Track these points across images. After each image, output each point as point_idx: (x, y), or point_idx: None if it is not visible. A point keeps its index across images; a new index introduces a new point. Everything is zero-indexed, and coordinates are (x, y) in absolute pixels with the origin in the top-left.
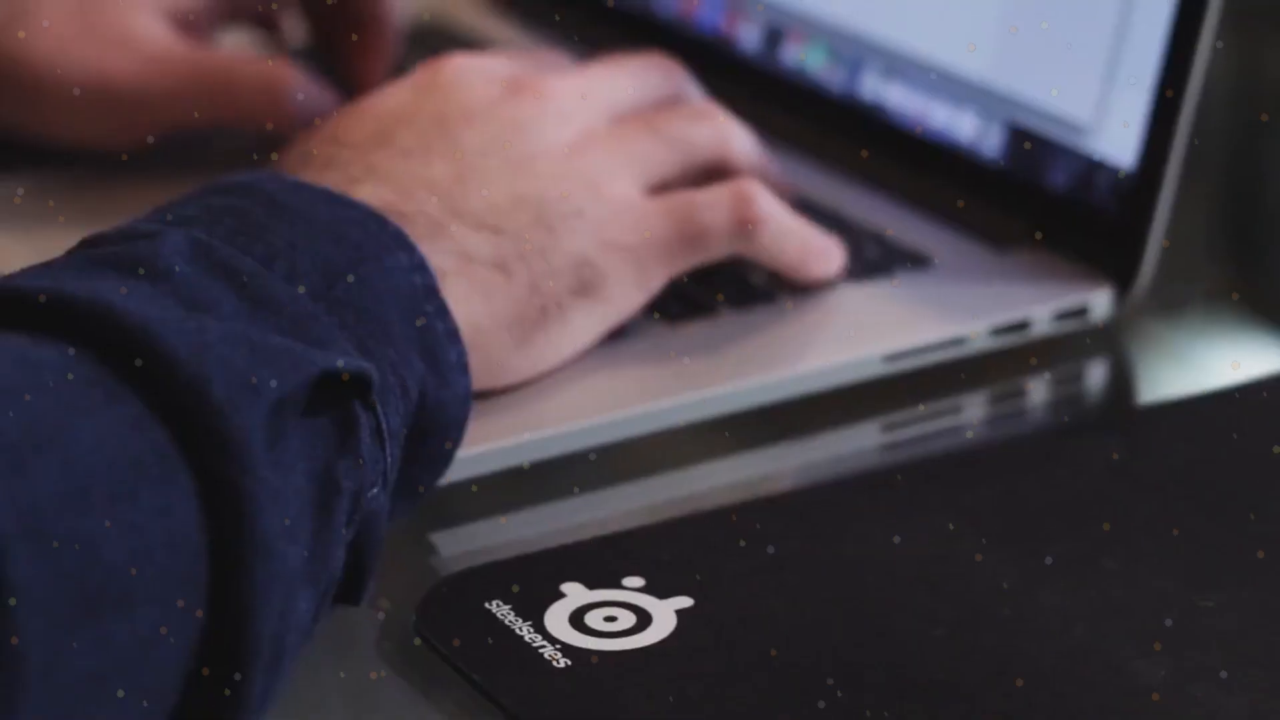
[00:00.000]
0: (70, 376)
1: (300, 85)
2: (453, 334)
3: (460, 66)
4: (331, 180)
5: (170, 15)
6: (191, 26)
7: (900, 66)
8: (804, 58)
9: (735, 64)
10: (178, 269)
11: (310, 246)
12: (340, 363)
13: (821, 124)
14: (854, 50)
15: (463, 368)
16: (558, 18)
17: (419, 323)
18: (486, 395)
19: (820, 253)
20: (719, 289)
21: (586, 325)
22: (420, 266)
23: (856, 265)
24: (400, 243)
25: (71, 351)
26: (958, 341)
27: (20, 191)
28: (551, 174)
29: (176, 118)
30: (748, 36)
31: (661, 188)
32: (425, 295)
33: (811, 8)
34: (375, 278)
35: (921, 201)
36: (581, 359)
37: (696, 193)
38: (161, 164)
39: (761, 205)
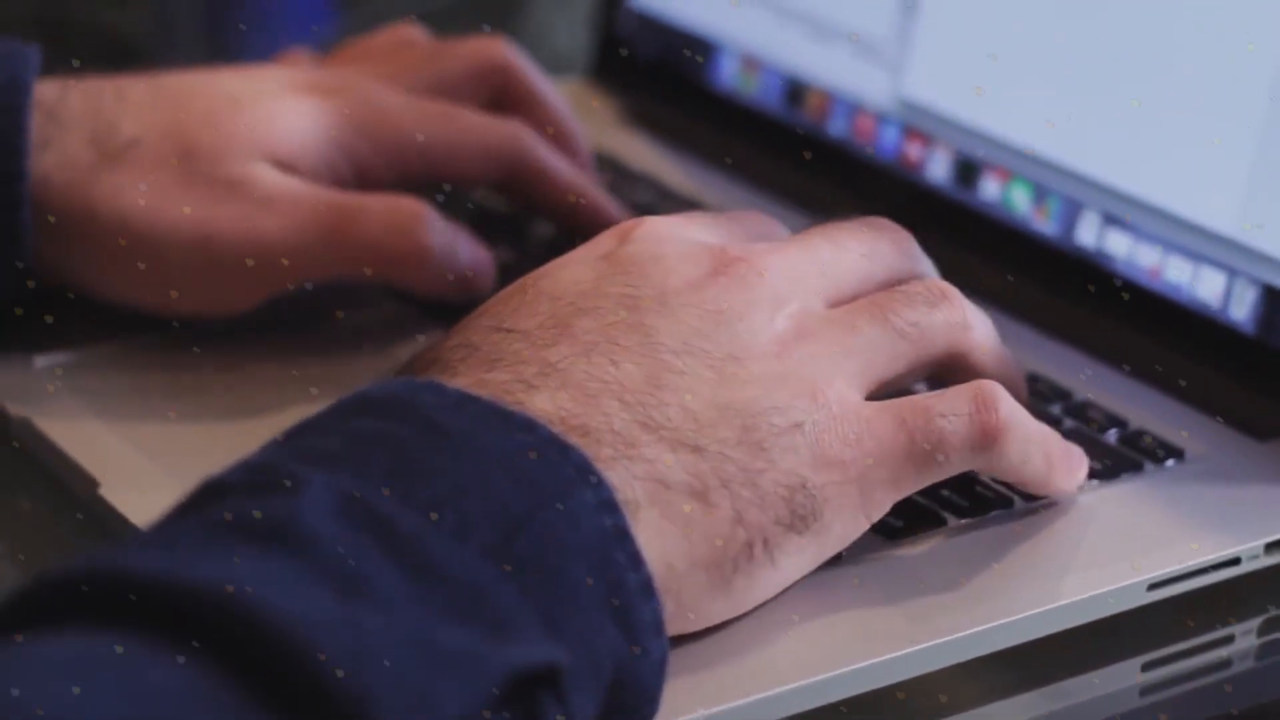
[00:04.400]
0: (196, 705)
1: (441, 224)
2: (646, 587)
3: (653, 234)
4: (500, 382)
5: (288, 171)
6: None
7: (1124, 211)
8: (1004, 194)
9: (919, 196)
10: (325, 534)
11: (481, 488)
12: (529, 659)
13: (1025, 273)
14: (1067, 189)
15: (658, 628)
16: (700, 132)
17: (610, 578)
18: (676, 641)
19: (1066, 464)
20: (943, 494)
21: (797, 563)
22: (609, 505)
23: (1099, 460)
24: (585, 475)
25: (198, 666)
26: (1231, 562)
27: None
28: (762, 377)
29: (295, 270)
30: (936, 167)
31: (884, 385)
32: (616, 541)
33: (1014, 137)
34: (558, 525)
35: (1156, 374)
36: (793, 588)
37: (931, 398)
38: (280, 334)
39: (1005, 412)
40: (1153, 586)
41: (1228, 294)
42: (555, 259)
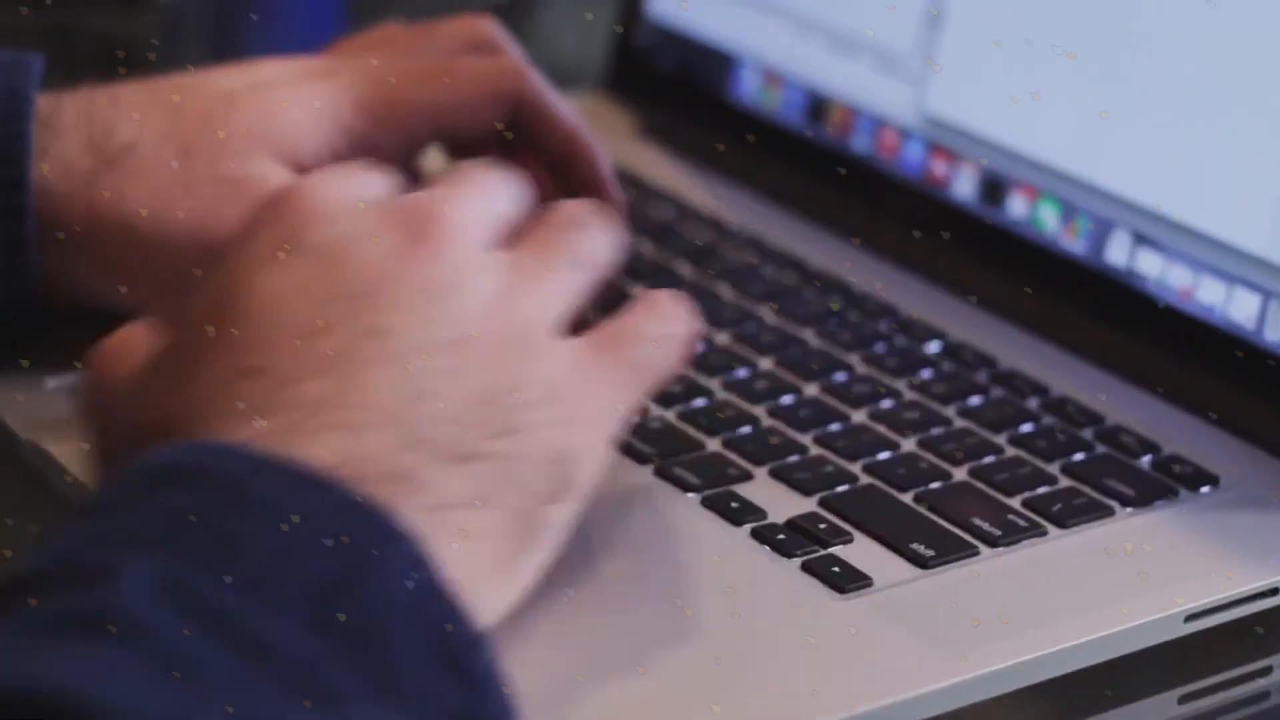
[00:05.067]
0: None
1: None
2: (476, 635)
3: (326, 208)
4: (270, 433)
5: (293, 164)
6: None
7: (1155, 231)
8: (1032, 212)
9: (944, 214)
10: (150, 620)
11: (293, 558)
12: None
13: (1054, 293)
14: (1097, 207)
15: (497, 673)
16: (720, 148)
17: (436, 632)
18: (713, 669)
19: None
20: (972, 518)
21: (564, 525)
22: (418, 559)
23: (1132, 486)
24: (391, 532)
25: None
26: (1269, 592)
27: None
28: (494, 352)
29: None
30: (961, 184)
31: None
32: (433, 594)
33: (1042, 154)
34: (374, 588)
35: (1188, 397)
36: (822, 619)
37: (631, 322)
38: None
39: (688, 316)
40: (1190, 618)
41: (1262, 316)
42: (228, 256)
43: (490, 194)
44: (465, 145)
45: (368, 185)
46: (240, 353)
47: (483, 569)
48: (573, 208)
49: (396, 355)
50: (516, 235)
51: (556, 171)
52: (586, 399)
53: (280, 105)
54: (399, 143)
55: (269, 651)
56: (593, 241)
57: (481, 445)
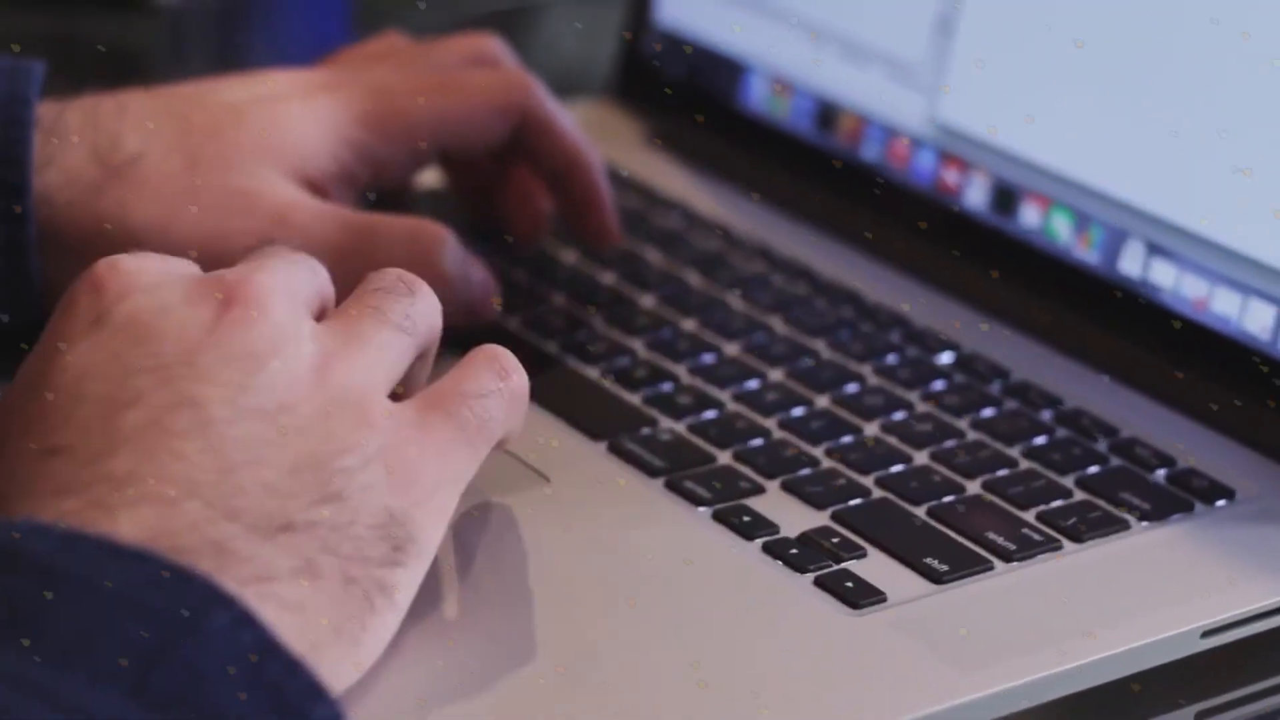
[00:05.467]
0: None
1: (458, 250)
2: (313, 689)
3: (133, 280)
4: (75, 511)
5: (299, 178)
6: (324, 194)
7: (1169, 241)
8: (1045, 222)
9: (956, 224)
10: None
11: (109, 629)
12: None
13: (1067, 304)
14: (1110, 217)
15: None
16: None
17: (268, 692)
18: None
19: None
20: (986, 532)
21: (409, 592)
22: (245, 620)
23: (1148, 500)
24: (213, 595)
25: None
26: None
27: None
28: (315, 418)
29: None
30: (973, 193)
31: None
32: (264, 653)
33: (1055, 163)
34: (193, 653)
35: (1204, 409)
36: (836, 635)
37: (459, 380)
38: None
39: (518, 367)
40: (1206, 633)
41: (1278, 327)
42: (45, 332)
43: (296, 270)
44: (466, 161)
45: (180, 264)
46: (46, 431)
47: (318, 640)
48: (387, 276)
49: (208, 425)
50: (329, 311)
51: (554, 186)
52: (418, 461)
53: (286, 118)
54: (404, 155)
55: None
56: (410, 307)
57: (302, 514)
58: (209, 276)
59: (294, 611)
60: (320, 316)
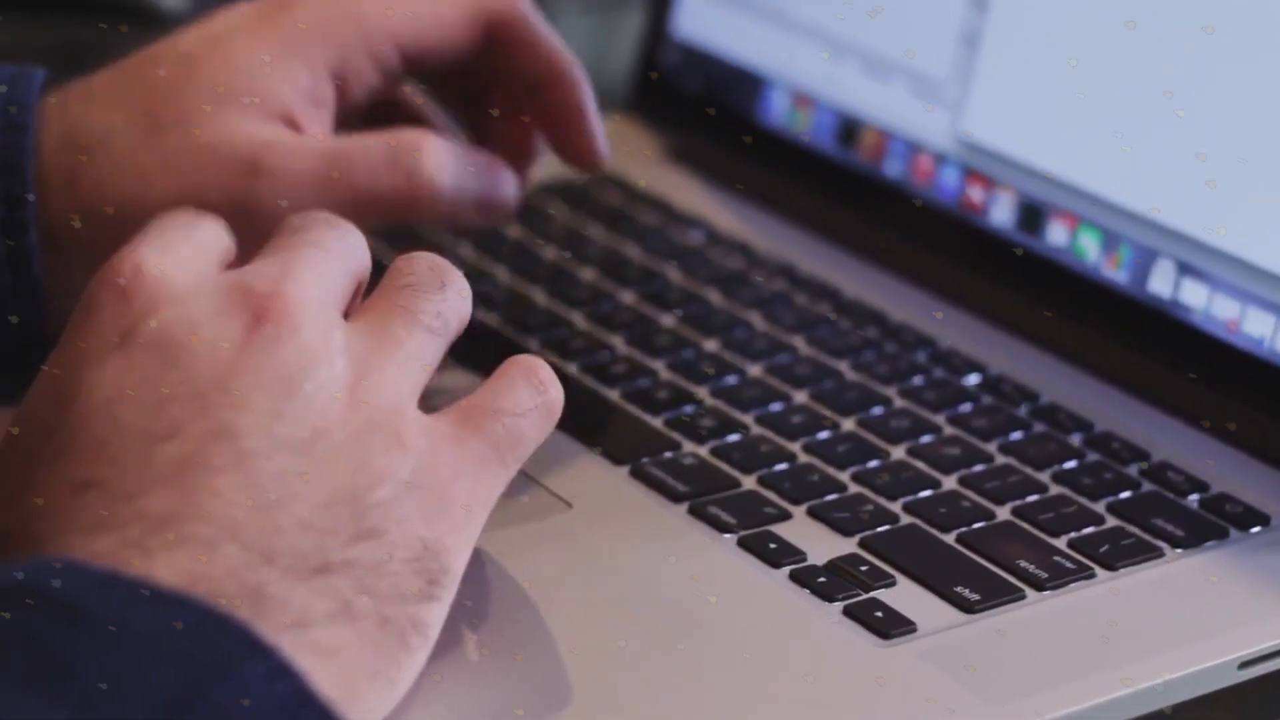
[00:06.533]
0: None
1: (446, 150)
2: None
3: (162, 288)
4: (107, 552)
5: (266, 113)
6: (296, 124)
7: (1200, 260)
8: (1072, 240)
9: (981, 242)
10: None
11: (140, 677)
12: None
13: (1095, 324)
14: (1139, 236)
15: None
16: (740, 186)
17: None
18: None
19: None
20: (1018, 560)
21: (442, 618)
22: (281, 670)
23: (1181, 526)
24: (250, 644)
25: None
26: None
27: None
28: (350, 444)
29: None
30: (999, 211)
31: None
32: (298, 704)
33: (1082, 180)
34: (225, 703)
35: (1236, 432)
36: (865, 666)
37: (494, 396)
38: None
39: (555, 379)
40: (1244, 664)
41: None
42: (65, 343)
43: (331, 256)
44: (446, 77)
45: (204, 244)
46: (79, 461)
47: (354, 684)
48: (418, 267)
49: (244, 459)
50: (362, 301)
51: (534, 101)
52: (451, 481)
53: (239, 55)
54: (368, 66)
55: None
56: (441, 304)
57: (338, 553)
58: (238, 283)
59: (330, 657)
60: (355, 297)
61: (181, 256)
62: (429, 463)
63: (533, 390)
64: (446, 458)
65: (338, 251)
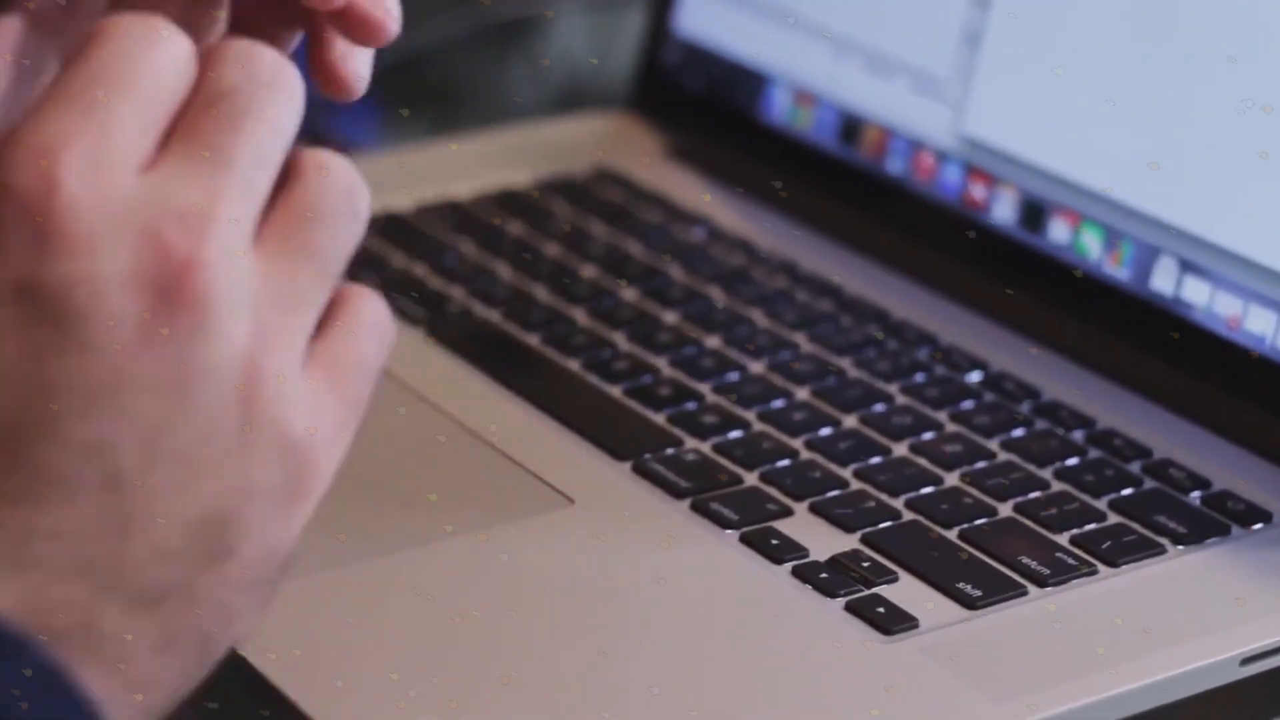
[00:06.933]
0: None
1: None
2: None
3: (73, 227)
4: None
5: None
6: None
7: (1202, 258)
8: (1074, 238)
9: (983, 239)
10: None
11: None
12: None
13: (1097, 322)
14: (1142, 233)
15: None
16: (747, 186)
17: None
18: None
19: None
20: (1020, 556)
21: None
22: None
23: (1183, 523)
24: (76, 709)
25: None
26: None
27: None
28: (235, 450)
29: None
30: (1001, 208)
31: None
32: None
33: (1085, 178)
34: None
35: (1238, 429)
36: (867, 662)
37: (347, 340)
38: None
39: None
40: (1245, 661)
41: None
42: None
43: (263, 164)
44: None
45: (140, 126)
46: None
47: (164, 702)
48: (336, 183)
49: (118, 480)
50: (268, 214)
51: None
52: (324, 476)
53: None
54: None
55: None
56: (354, 238)
57: (185, 578)
58: (155, 233)
59: (140, 691)
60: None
61: (107, 163)
62: (307, 458)
63: (376, 326)
64: (323, 443)
65: (270, 144)
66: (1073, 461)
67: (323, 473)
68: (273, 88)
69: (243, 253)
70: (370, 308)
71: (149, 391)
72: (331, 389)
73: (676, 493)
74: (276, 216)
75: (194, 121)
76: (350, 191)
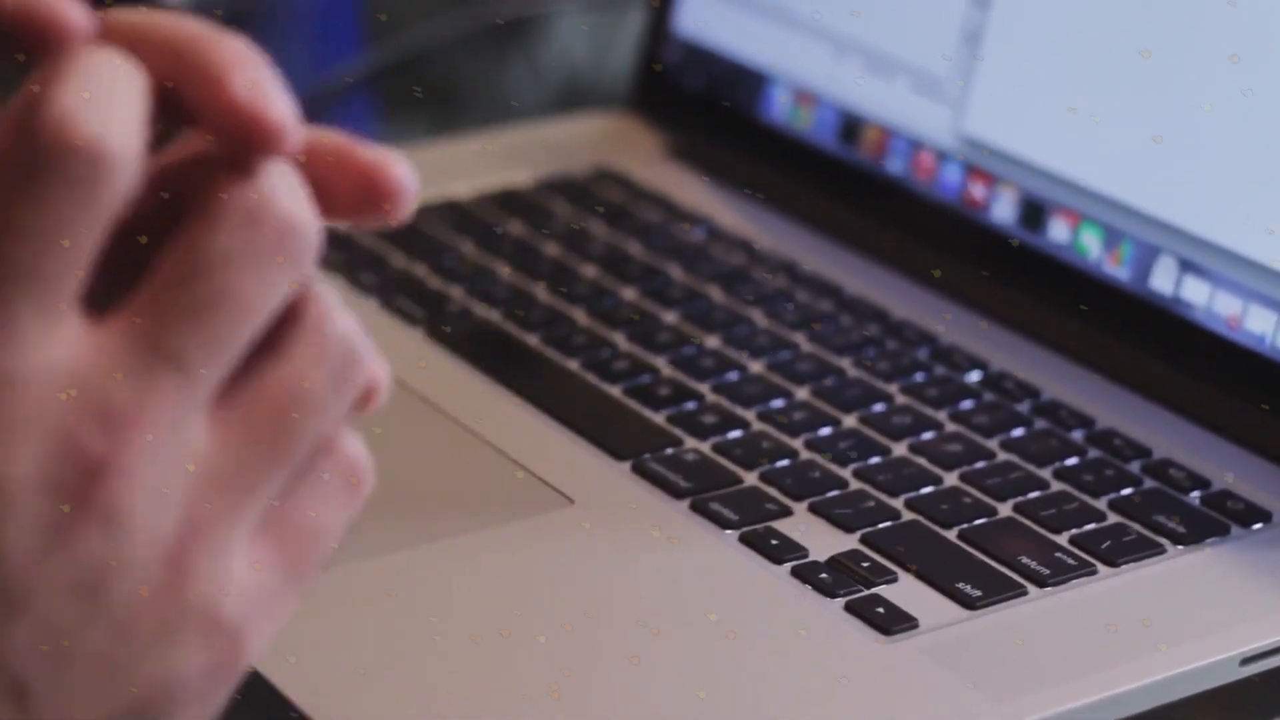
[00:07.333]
0: None
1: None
2: None
3: (7, 400)
4: None
5: None
6: None
7: (1202, 258)
8: (1074, 238)
9: (983, 239)
10: None
11: None
12: None
13: (1097, 321)
14: (1141, 233)
15: None
16: (752, 187)
17: None
18: None
19: None
20: (1019, 556)
21: None
22: None
23: (1183, 523)
24: None
25: None
26: None
27: None
28: (156, 644)
29: None
30: (1001, 208)
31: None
32: None
33: (1084, 177)
34: None
35: (1238, 429)
36: (867, 662)
37: (303, 506)
38: None
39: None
40: (1245, 661)
41: None
42: None
43: (213, 364)
44: None
45: (73, 275)
46: None
47: None
48: (331, 360)
49: (19, 689)
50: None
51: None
52: (253, 652)
53: None
54: None
55: None
56: (336, 416)
57: None
58: (71, 432)
59: None
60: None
61: (47, 327)
62: (234, 638)
63: (347, 489)
64: (254, 621)
65: (244, 333)
66: (1072, 461)
67: (253, 649)
68: (272, 258)
69: (177, 446)
70: (346, 456)
71: (59, 595)
72: (277, 557)
73: (676, 492)
74: (252, 384)
75: (159, 292)
76: (345, 362)
